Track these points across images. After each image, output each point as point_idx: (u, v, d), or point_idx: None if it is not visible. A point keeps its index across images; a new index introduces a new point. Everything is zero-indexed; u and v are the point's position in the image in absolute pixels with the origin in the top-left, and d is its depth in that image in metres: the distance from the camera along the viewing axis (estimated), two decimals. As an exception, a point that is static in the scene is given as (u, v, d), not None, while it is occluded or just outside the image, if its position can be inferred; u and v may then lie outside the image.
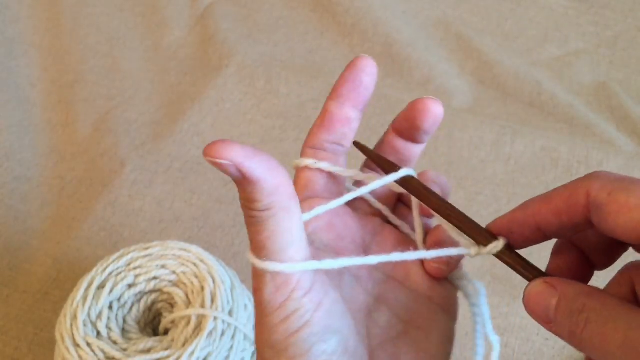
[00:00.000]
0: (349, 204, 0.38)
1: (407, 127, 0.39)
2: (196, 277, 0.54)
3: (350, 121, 0.39)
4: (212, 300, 0.52)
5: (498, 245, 0.32)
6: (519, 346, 0.59)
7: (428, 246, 0.36)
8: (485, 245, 0.32)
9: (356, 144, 0.38)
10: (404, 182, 0.36)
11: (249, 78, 0.82)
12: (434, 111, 0.38)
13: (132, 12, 0.93)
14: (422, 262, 0.37)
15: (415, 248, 0.36)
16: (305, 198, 0.37)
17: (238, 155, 0.29)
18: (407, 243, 0.37)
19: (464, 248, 0.33)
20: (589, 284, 0.31)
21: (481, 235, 0.33)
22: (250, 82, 0.82)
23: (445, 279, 0.37)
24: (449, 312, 0.38)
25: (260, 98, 0.81)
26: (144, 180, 0.73)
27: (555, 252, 0.33)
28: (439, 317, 0.37)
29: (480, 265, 0.64)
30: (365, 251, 0.37)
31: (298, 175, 0.38)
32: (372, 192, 0.39)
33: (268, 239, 0.30)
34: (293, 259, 0.31)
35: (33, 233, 0.70)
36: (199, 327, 0.51)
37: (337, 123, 0.39)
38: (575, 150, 0.73)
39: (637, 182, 0.27)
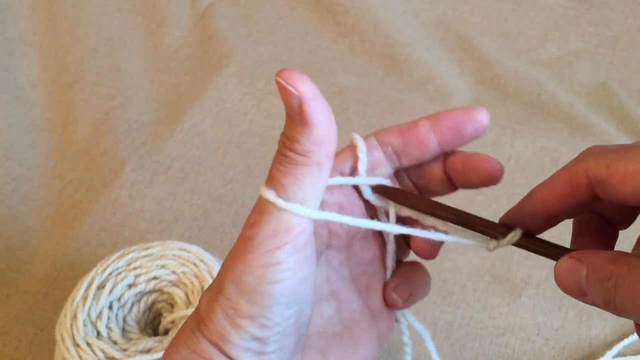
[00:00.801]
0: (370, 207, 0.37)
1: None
2: (196, 277, 0.54)
3: (425, 150, 0.36)
4: (212, 300, 0.52)
5: (516, 234, 0.32)
6: (519, 346, 0.59)
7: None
8: (504, 237, 0.33)
9: (378, 189, 0.36)
10: (404, 199, 0.35)
11: (249, 78, 0.82)
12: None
13: (132, 12, 0.93)
14: (384, 286, 0.37)
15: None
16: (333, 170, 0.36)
17: (307, 91, 0.29)
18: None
19: (483, 242, 0.33)
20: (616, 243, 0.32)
21: (497, 230, 0.33)
22: (250, 82, 0.82)
23: (392, 313, 0.38)
24: (381, 339, 0.38)
25: (260, 98, 0.81)
26: (144, 180, 0.73)
27: (578, 220, 0.34)
28: (373, 338, 0.38)
29: (480, 265, 0.65)
30: (348, 246, 0.37)
31: (344, 149, 0.37)
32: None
33: (291, 185, 0.30)
34: (299, 217, 0.30)
35: (33, 233, 0.70)
36: (199, 327, 0.51)
37: (415, 143, 0.36)
38: (575, 150, 0.72)
39: (629, 149, 0.28)
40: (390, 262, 0.38)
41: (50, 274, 0.66)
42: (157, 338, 0.52)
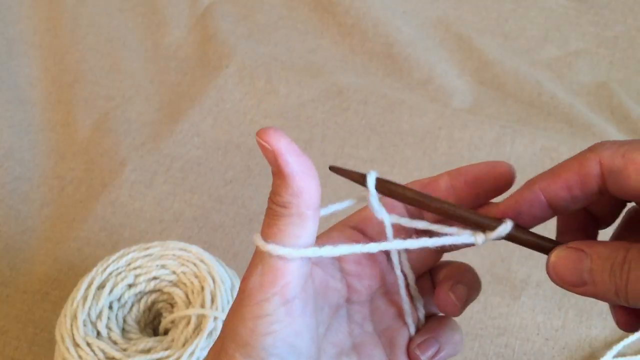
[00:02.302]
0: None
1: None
2: (196, 277, 0.54)
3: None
4: (212, 300, 0.52)
5: (507, 227, 0.31)
6: (519, 346, 0.59)
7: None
8: (492, 229, 0.31)
9: (332, 168, 0.37)
10: (387, 190, 0.34)
11: (249, 78, 0.82)
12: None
13: (132, 12, 0.93)
14: (409, 342, 0.36)
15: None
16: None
17: (282, 147, 0.31)
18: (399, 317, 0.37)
19: (470, 236, 0.32)
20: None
21: (486, 222, 0.31)
22: (250, 82, 0.82)
23: None
24: None
25: (260, 98, 0.81)
26: (144, 180, 0.73)
27: (563, 218, 0.33)
28: None
29: (480, 266, 0.64)
30: (371, 301, 0.37)
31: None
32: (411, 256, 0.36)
33: (274, 235, 0.31)
34: (282, 267, 0.31)
35: (33, 233, 0.70)
36: (198, 327, 0.51)
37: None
38: (575, 150, 0.72)
39: None
40: (409, 316, 0.36)
41: (50, 274, 0.66)
42: (157, 338, 0.52)
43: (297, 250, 0.31)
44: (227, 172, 0.74)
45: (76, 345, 0.51)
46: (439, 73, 0.83)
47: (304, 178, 0.32)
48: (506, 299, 0.62)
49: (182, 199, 0.71)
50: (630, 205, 0.32)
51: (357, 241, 0.35)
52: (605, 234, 0.34)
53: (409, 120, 0.77)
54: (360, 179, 0.35)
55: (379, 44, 0.87)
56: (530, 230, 0.32)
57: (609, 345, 0.59)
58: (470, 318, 0.61)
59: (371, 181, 0.34)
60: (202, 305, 0.52)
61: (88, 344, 0.51)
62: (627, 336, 0.59)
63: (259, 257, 0.32)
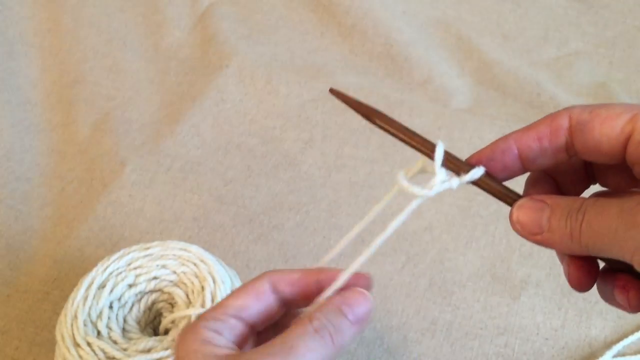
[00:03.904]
0: None
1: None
2: (196, 277, 0.54)
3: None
4: (213, 300, 0.52)
5: (479, 171, 0.33)
6: (518, 346, 0.59)
7: None
8: (466, 172, 0.33)
9: (332, 91, 0.37)
10: (359, 106, 0.37)
11: (249, 78, 0.82)
12: None
13: (133, 13, 0.93)
14: None
15: None
16: None
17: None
18: None
19: (446, 179, 0.33)
20: None
21: (459, 165, 0.34)
22: (250, 82, 0.82)
23: None
24: None
25: (260, 98, 0.81)
26: (144, 180, 0.73)
27: (531, 183, 0.36)
28: None
29: (480, 265, 0.65)
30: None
31: None
32: None
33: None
34: None
35: (33, 233, 0.70)
36: (199, 327, 0.51)
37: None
38: (574, 150, 0.73)
39: (612, 103, 0.30)
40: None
41: (50, 273, 0.66)
42: (158, 338, 0.52)
43: None
44: (227, 172, 0.74)
45: (76, 345, 0.51)
46: (438, 73, 0.84)
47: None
48: (506, 298, 0.62)
49: (182, 199, 0.72)
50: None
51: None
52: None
53: (409, 120, 0.77)
54: (359, 108, 0.37)
55: (379, 44, 0.87)
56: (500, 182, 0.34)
57: (608, 345, 0.59)
58: (470, 318, 0.61)
59: (439, 152, 0.34)
60: (203, 305, 0.52)
61: (88, 344, 0.51)
62: (626, 336, 0.59)
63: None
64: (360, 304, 0.33)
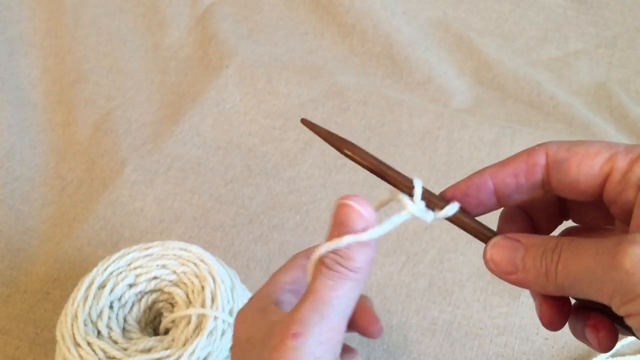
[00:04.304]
0: None
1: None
2: (196, 276, 0.54)
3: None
4: (213, 300, 0.52)
5: (453, 207, 0.32)
6: (518, 345, 0.59)
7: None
8: (440, 208, 0.32)
9: (304, 122, 0.36)
10: (328, 136, 0.36)
11: (249, 78, 0.82)
12: None
13: (133, 13, 0.93)
14: None
15: None
16: None
17: (373, 217, 0.31)
18: None
19: (421, 212, 0.33)
20: None
21: (434, 200, 0.33)
22: (250, 82, 0.82)
23: None
24: None
25: (260, 98, 0.81)
26: (144, 180, 0.73)
27: (504, 218, 0.35)
28: None
29: (480, 265, 0.64)
30: None
31: None
32: None
33: (338, 298, 0.31)
34: (340, 328, 0.31)
35: (34, 233, 0.70)
36: (199, 327, 0.51)
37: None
38: (574, 150, 0.73)
39: (589, 141, 0.30)
40: None
41: (51, 273, 0.66)
42: (158, 338, 0.52)
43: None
44: (227, 172, 0.74)
45: (77, 344, 0.51)
46: (438, 73, 0.84)
47: (374, 250, 0.32)
48: (506, 298, 0.62)
49: (183, 199, 0.72)
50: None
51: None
52: None
53: (409, 121, 0.77)
54: (329, 137, 0.36)
55: (379, 44, 0.87)
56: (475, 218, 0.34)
57: (608, 345, 0.59)
58: (470, 317, 0.61)
59: (418, 189, 0.33)
60: (203, 305, 0.52)
61: (89, 344, 0.51)
62: (626, 336, 0.59)
63: (318, 312, 0.31)
64: (354, 220, 0.31)
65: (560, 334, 0.60)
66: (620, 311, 0.27)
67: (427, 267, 0.65)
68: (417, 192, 0.32)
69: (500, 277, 0.31)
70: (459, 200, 0.33)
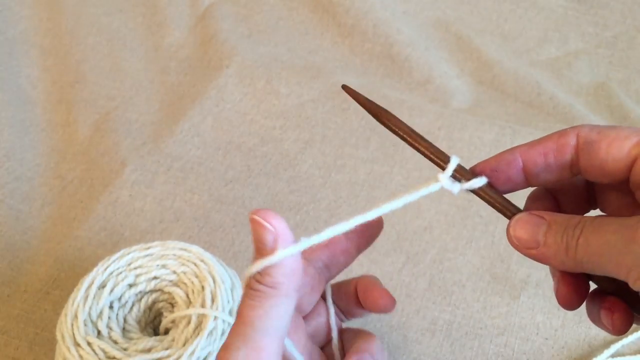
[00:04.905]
0: None
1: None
2: (196, 276, 0.54)
3: (349, 256, 0.39)
4: (213, 300, 0.52)
5: (481, 180, 0.33)
6: (518, 345, 0.59)
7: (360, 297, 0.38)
8: (467, 180, 0.33)
9: (345, 88, 0.36)
10: (380, 116, 0.35)
11: (249, 78, 0.82)
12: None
13: (133, 13, 0.93)
14: None
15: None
16: None
17: (282, 228, 0.31)
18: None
19: (449, 184, 0.33)
20: None
21: (463, 174, 0.33)
22: (250, 82, 0.82)
23: None
24: None
25: (260, 98, 0.81)
26: (144, 180, 0.73)
27: (532, 199, 0.36)
28: None
29: (480, 265, 0.65)
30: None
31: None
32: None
33: (260, 317, 0.31)
34: (267, 347, 0.31)
35: (34, 233, 0.70)
36: (199, 327, 0.51)
37: (339, 252, 0.39)
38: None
39: (621, 126, 0.31)
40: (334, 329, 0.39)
41: (51, 273, 0.66)
42: (158, 337, 0.52)
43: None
44: (227, 172, 0.74)
45: (77, 344, 0.51)
46: (438, 73, 0.84)
47: (297, 261, 0.32)
48: (505, 298, 0.62)
49: (183, 199, 0.72)
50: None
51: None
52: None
53: (409, 120, 0.77)
54: (367, 105, 0.36)
55: (379, 45, 0.87)
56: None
57: (607, 345, 0.59)
58: (470, 317, 0.61)
59: (453, 164, 0.33)
60: (203, 305, 0.52)
61: (89, 344, 0.51)
62: (625, 336, 0.59)
63: (241, 335, 0.31)
64: (262, 235, 0.31)
65: (560, 334, 0.60)
66: (636, 285, 0.27)
67: (427, 267, 0.65)
68: (452, 165, 0.33)
69: (521, 252, 0.32)
70: (488, 175, 0.33)
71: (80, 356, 0.50)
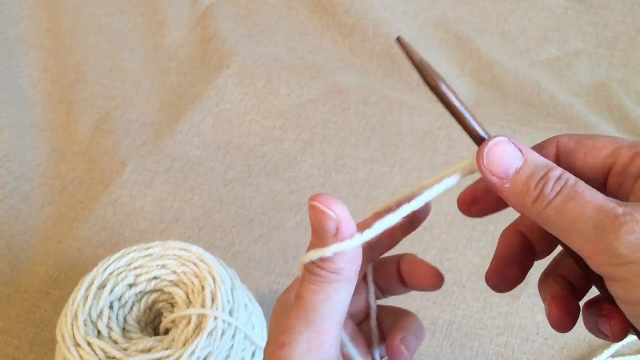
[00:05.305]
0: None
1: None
2: (196, 276, 0.54)
3: (393, 238, 0.38)
4: (213, 300, 0.52)
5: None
6: (518, 345, 0.59)
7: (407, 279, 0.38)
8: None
9: (399, 40, 0.35)
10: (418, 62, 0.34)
11: (249, 78, 0.82)
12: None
13: (133, 13, 0.93)
14: (389, 340, 0.37)
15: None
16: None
17: (344, 214, 0.30)
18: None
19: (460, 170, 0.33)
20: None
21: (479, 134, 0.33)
22: (250, 82, 0.82)
23: None
24: None
25: (260, 98, 0.81)
26: (144, 180, 0.73)
27: (503, 239, 0.36)
28: None
29: (480, 265, 0.65)
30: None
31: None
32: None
33: (321, 302, 0.31)
34: (329, 331, 0.31)
35: (34, 233, 0.70)
36: (199, 327, 0.51)
37: (384, 234, 0.37)
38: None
39: (599, 135, 0.31)
40: (377, 347, 0.38)
41: (51, 273, 0.66)
42: (158, 337, 0.52)
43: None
44: (227, 172, 0.74)
45: (77, 344, 0.51)
46: (438, 73, 0.84)
47: (359, 246, 0.32)
48: (506, 298, 0.62)
49: (183, 199, 0.72)
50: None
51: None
52: (539, 265, 0.37)
53: (409, 120, 0.77)
54: (419, 65, 0.35)
55: (379, 44, 0.87)
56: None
57: (607, 345, 0.59)
58: (470, 317, 0.61)
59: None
60: (203, 305, 0.52)
61: (89, 344, 0.51)
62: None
63: (302, 319, 0.31)
64: (324, 222, 0.31)
65: (560, 334, 0.60)
66: (600, 270, 0.27)
67: (427, 267, 0.65)
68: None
69: (486, 177, 0.31)
70: (477, 196, 0.34)
71: (80, 356, 0.50)
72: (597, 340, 0.60)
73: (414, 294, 0.63)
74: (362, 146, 0.75)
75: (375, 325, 0.38)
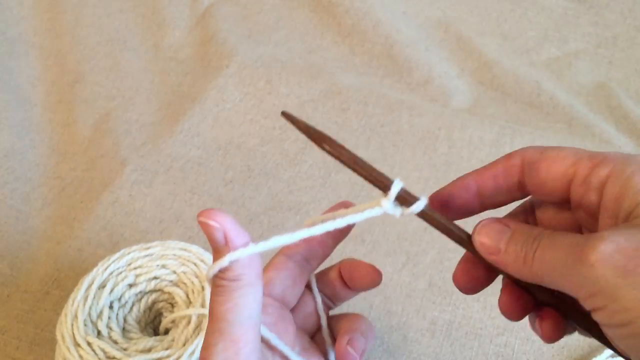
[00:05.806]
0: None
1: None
2: (196, 276, 0.54)
3: (326, 247, 0.40)
4: (213, 300, 0.52)
5: (421, 203, 0.33)
6: (518, 345, 0.59)
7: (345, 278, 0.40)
8: (409, 206, 0.33)
9: (284, 114, 0.36)
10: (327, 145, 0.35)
11: (249, 78, 0.82)
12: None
13: (133, 13, 0.93)
14: (337, 342, 0.38)
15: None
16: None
17: (228, 222, 0.32)
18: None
19: (389, 207, 0.34)
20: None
21: (407, 198, 0.34)
22: (250, 82, 0.82)
23: None
24: None
25: (260, 98, 0.81)
26: (144, 180, 0.73)
27: (512, 215, 0.37)
28: None
29: (480, 265, 0.65)
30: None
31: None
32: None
33: (229, 310, 0.32)
34: (243, 337, 0.32)
35: (34, 233, 0.70)
36: (199, 327, 0.51)
37: (316, 243, 0.39)
38: (574, 150, 0.73)
39: (561, 147, 0.32)
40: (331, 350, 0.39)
41: (51, 273, 0.66)
42: (158, 337, 0.52)
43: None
44: (227, 172, 0.74)
45: (77, 344, 0.51)
46: (438, 73, 0.84)
47: (251, 249, 0.33)
48: (506, 298, 0.62)
49: (183, 199, 0.72)
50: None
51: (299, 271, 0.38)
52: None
53: (409, 121, 0.77)
54: (307, 131, 0.35)
55: (379, 45, 0.87)
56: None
57: (608, 345, 0.59)
58: (470, 317, 0.61)
59: (396, 188, 0.34)
60: (203, 305, 0.52)
61: (89, 344, 0.51)
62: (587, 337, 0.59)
63: (216, 332, 0.32)
64: (213, 234, 0.33)
65: (560, 334, 0.60)
66: (586, 304, 0.28)
67: (427, 267, 0.65)
68: (394, 190, 0.33)
69: (485, 257, 0.33)
70: (446, 202, 0.35)
71: (80, 356, 0.50)
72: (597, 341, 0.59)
73: (414, 293, 0.63)
74: (362, 146, 0.75)
75: (327, 334, 0.39)
